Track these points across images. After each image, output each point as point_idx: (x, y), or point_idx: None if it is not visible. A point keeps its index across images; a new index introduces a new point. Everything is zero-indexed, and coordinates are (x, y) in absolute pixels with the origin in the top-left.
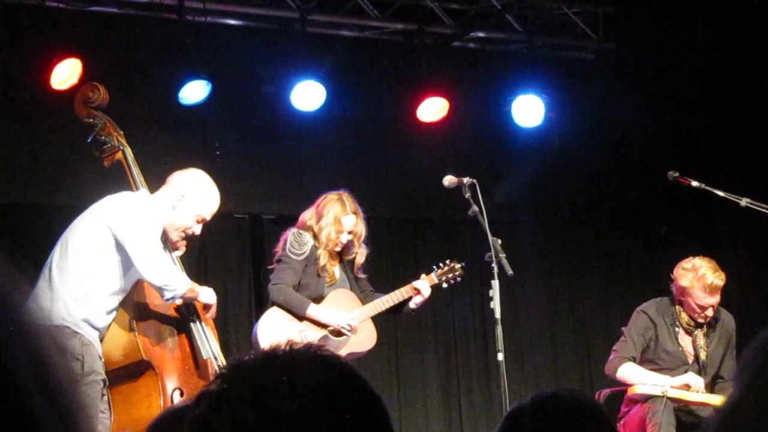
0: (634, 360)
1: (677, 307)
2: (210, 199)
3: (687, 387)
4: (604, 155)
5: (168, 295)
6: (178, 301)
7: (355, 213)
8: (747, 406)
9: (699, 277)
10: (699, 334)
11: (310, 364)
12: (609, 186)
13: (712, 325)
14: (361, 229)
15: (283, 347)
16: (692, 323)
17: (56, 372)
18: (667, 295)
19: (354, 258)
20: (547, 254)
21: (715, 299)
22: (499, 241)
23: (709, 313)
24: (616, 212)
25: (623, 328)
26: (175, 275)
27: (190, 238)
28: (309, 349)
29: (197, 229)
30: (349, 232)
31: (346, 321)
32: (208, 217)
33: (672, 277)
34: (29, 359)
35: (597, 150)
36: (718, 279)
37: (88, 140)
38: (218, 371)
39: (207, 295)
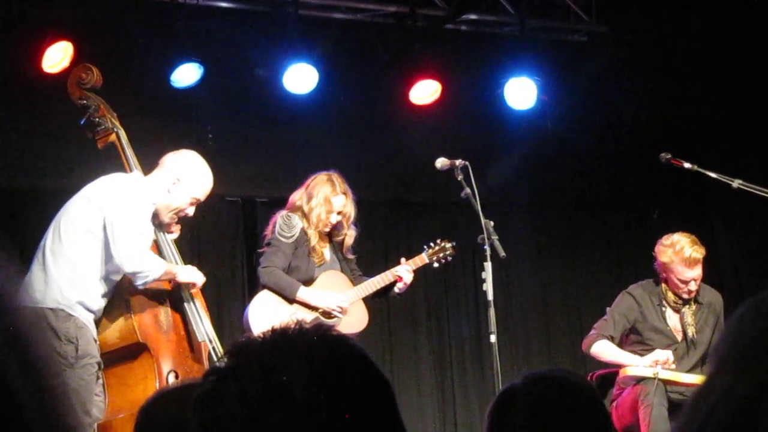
0: (611, 339)
1: (662, 285)
2: (204, 180)
3: (658, 363)
4: (597, 137)
5: (140, 281)
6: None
7: (344, 193)
8: (717, 382)
9: (677, 251)
10: (687, 311)
11: (319, 343)
12: (601, 168)
13: (700, 302)
14: (350, 209)
15: (293, 327)
16: (679, 301)
17: (35, 350)
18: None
19: (343, 239)
20: (539, 236)
21: (696, 272)
22: (492, 223)
23: (692, 287)
24: (609, 194)
25: (607, 308)
26: (149, 262)
27: (182, 221)
28: (319, 329)
29: (191, 211)
30: (339, 213)
31: (337, 303)
32: (203, 199)
33: (653, 255)
34: (5, 336)
35: (589, 132)
36: (696, 252)
37: (81, 122)
38: (213, 353)
39: (185, 274)
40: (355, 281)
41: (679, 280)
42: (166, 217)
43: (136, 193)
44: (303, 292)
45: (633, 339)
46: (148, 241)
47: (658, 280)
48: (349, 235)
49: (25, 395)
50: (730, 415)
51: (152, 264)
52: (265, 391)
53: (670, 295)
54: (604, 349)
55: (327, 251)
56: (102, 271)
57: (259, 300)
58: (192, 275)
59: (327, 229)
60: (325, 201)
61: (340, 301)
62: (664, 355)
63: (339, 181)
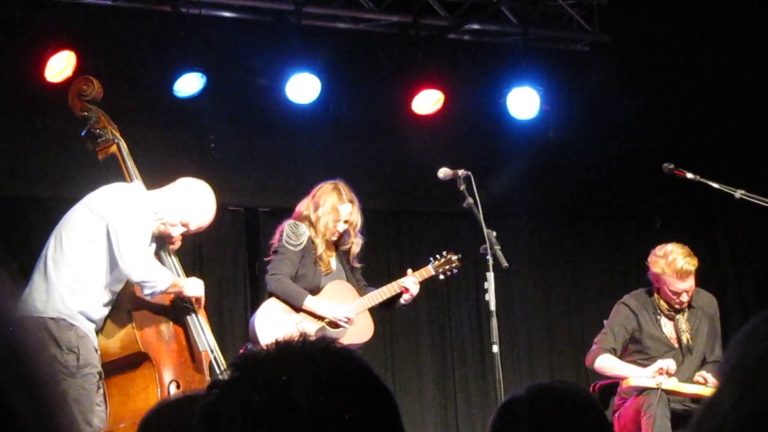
0: (614, 352)
1: (655, 295)
2: (201, 208)
3: (661, 372)
4: (599, 147)
5: (147, 291)
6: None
7: (351, 201)
8: (724, 396)
9: (670, 262)
10: (681, 318)
11: (322, 356)
12: (604, 178)
13: (692, 306)
14: (357, 217)
15: (297, 339)
16: (672, 309)
17: (34, 363)
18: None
19: (350, 248)
20: (542, 246)
21: (688, 284)
22: (494, 233)
23: (684, 298)
24: (611, 204)
25: (605, 321)
26: (156, 271)
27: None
28: (322, 342)
29: (175, 231)
30: (345, 221)
31: (343, 313)
32: (192, 227)
33: (647, 265)
34: (4, 347)
35: (592, 142)
36: (688, 264)
37: (83, 133)
38: (214, 363)
39: (192, 288)
40: (360, 291)
41: (671, 291)
42: (152, 225)
43: (137, 203)
44: (310, 302)
45: (632, 349)
46: (150, 252)
47: (651, 289)
48: (356, 244)
49: (24, 406)
50: (738, 430)
51: (160, 275)
52: (269, 403)
53: (663, 304)
54: (607, 363)
55: (333, 260)
56: (104, 280)
57: (265, 308)
58: (199, 289)
59: (334, 238)
60: (333, 209)
61: (347, 311)
62: (666, 363)
63: (345, 189)
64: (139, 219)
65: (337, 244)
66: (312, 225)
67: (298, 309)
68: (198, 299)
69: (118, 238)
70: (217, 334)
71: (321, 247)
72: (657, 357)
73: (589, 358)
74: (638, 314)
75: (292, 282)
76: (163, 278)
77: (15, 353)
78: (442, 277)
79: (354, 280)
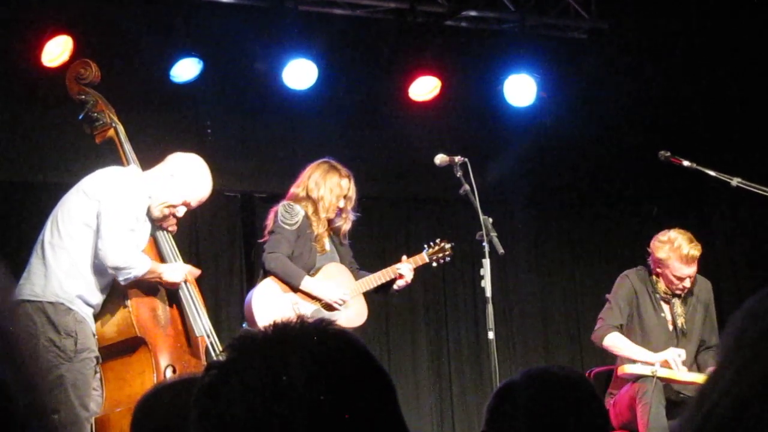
0: (621, 327)
1: (654, 277)
2: (200, 185)
3: (667, 364)
4: (596, 135)
5: (122, 277)
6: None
7: (348, 176)
8: (723, 374)
9: (675, 248)
10: (676, 302)
11: (320, 337)
12: (600, 166)
13: (688, 292)
14: (354, 192)
15: (294, 321)
16: (669, 293)
17: (21, 345)
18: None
19: (341, 225)
20: (537, 233)
21: (692, 269)
22: (491, 220)
23: (687, 284)
24: (607, 192)
25: (607, 295)
26: (132, 258)
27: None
28: (320, 324)
29: (180, 211)
30: (345, 197)
31: (339, 296)
32: (194, 204)
33: (648, 250)
34: None
35: (589, 129)
36: (694, 249)
37: (80, 117)
38: (210, 348)
39: (171, 273)
40: (355, 275)
41: (675, 276)
42: (155, 211)
43: (131, 187)
44: (307, 282)
45: (628, 330)
46: (145, 237)
47: (650, 270)
48: (348, 221)
49: (15, 390)
50: (732, 410)
51: (136, 261)
52: (267, 384)
53: (661, 286)
54: (616, 343)
55: (327, 241)
56: (100, 265)
57: (262, 288)
58: (179, 275)
59: (333, 216)
60: (335, 186)
61: (343, 294)
62: (673, 354)
63: (340, 165)
64: (129, 204)
65: (330, 223)
66: (313, 204)
67: (294, 289)
68: (175, 284)
69: (102, 221)
70: (213, 319)
71: (320, 227)
72: (652, 338)
73: (596, 335)
74: (638, 291)
75: (290, 261)
76: (139, 265)
77: (3, 336)
78: (435, 264)
79: (347, 263)
